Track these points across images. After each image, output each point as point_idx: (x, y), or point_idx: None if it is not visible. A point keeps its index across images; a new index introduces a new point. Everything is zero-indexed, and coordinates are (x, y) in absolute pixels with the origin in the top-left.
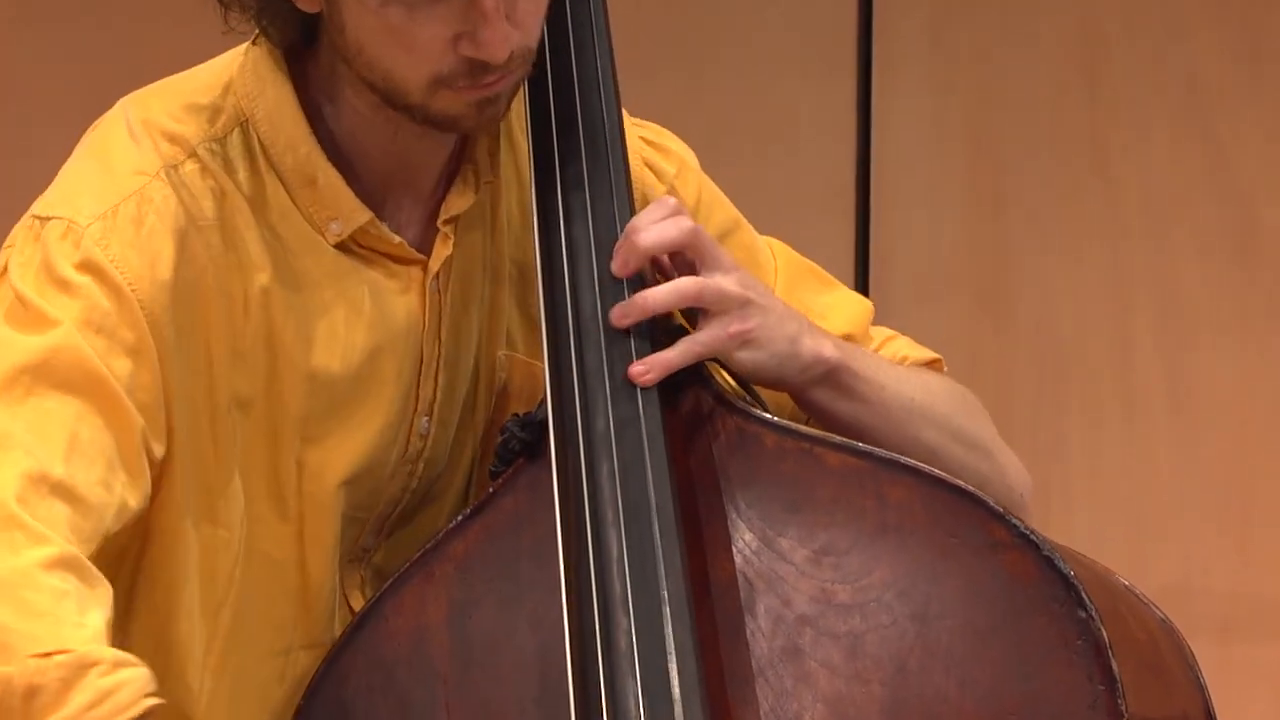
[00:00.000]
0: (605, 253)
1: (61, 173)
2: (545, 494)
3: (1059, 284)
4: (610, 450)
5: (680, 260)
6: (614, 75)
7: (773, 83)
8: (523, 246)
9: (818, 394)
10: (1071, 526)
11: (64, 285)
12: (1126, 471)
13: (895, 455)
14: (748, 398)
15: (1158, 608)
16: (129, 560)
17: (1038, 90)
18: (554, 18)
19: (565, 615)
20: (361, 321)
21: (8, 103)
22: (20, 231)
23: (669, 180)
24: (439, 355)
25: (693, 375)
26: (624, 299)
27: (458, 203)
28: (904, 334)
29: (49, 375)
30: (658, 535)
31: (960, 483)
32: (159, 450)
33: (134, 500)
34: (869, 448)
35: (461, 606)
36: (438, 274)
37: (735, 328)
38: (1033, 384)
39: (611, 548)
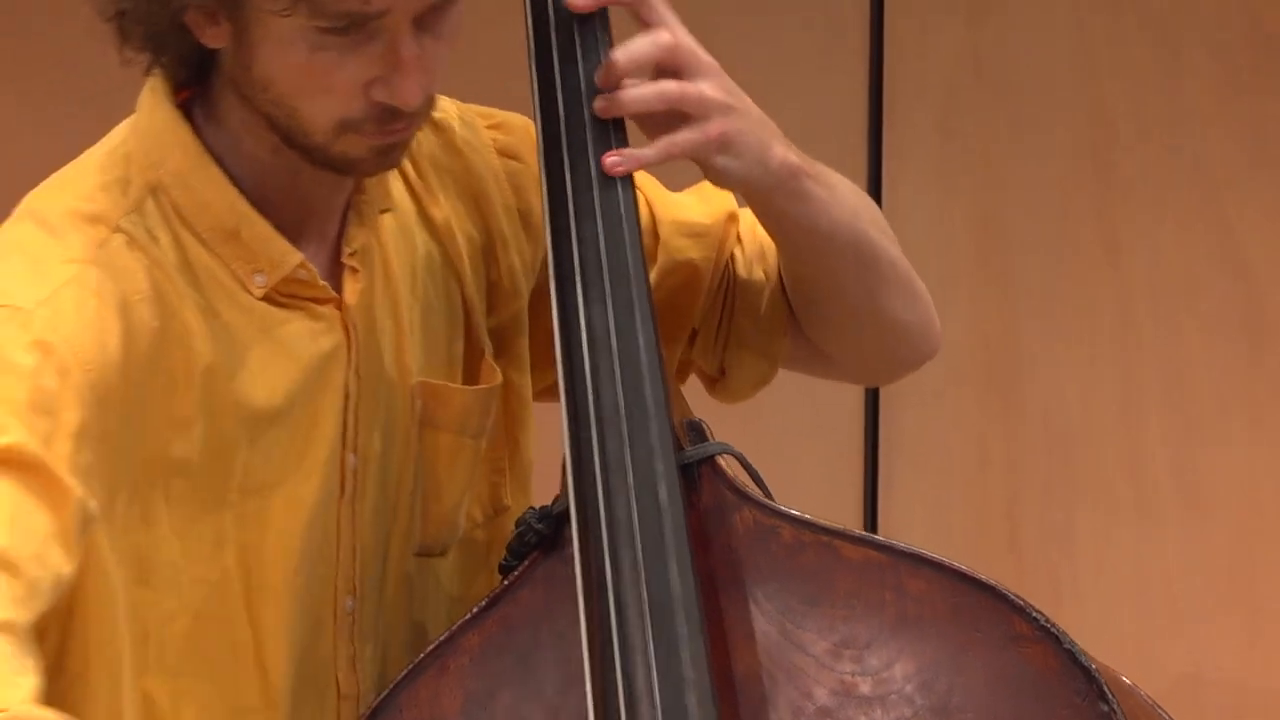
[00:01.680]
0: (626, 338)
1: None
2: (563, 586)
3: (1068, 372)
4: (633, 540)
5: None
6: (635, 204)
7: None
8: (416, 270)
9: (780, 199)
10: (1081, 616)
11: (10, 368)
12: (1136, 560)
13: (915, 549)
14: (762, 492)
15: (1164, 710)
16: (57, 623)
17: (1046, 178)
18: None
19: (590, 706)
20: (295, 369)
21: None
22: None
23: (524, 158)
24: (358, 390)
25: (709, 469)
26: (642, 383)
27: (359, 235)
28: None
29: None
30: (682, 626)
31: (981, 576)
32: (95, 518)
33: (68, 571)
34: (889, 541)
35: (477, 699)
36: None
37: (715, 131)
38: (1041, 473)
39: (635, 638)
